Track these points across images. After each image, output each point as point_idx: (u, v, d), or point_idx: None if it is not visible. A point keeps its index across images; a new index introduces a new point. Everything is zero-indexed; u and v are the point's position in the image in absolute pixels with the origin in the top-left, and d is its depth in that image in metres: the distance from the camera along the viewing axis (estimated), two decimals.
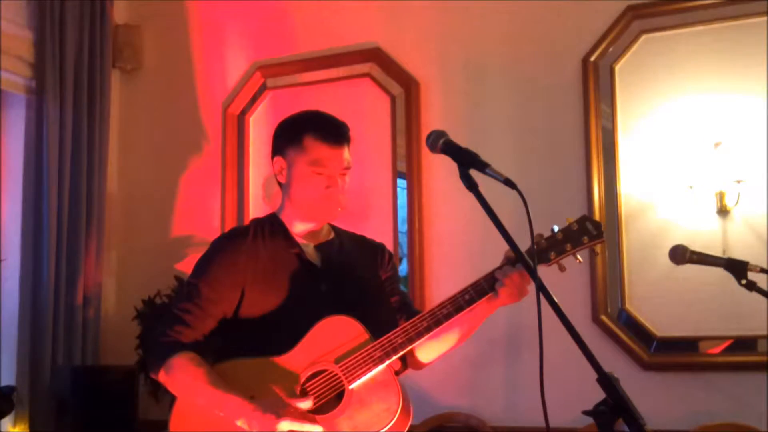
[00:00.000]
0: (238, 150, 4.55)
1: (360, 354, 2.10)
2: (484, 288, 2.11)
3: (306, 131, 2.28)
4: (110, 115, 4.60)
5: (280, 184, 2.39)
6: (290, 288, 2.24)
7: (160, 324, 2.27)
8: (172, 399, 4.24)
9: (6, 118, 4.35)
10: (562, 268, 2.09)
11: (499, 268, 2.09)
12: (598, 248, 2.10)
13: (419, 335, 2.10)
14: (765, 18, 3.57)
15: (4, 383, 3.93)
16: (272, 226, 2.35)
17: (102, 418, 3.96)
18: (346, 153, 2.29)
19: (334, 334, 2.14)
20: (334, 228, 2.43)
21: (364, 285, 2.35)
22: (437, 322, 2.11)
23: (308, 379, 2.13)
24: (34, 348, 4.10)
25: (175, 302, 2.33)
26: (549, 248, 2.09)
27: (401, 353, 2.11)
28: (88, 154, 4.41)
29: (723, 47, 3.65)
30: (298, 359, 2.14)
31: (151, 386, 4.22)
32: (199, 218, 4.62)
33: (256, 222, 2.40)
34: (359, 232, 2.55)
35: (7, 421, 3.97)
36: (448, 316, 2.11)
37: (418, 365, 2.34)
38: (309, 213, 2.31)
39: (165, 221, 4.69)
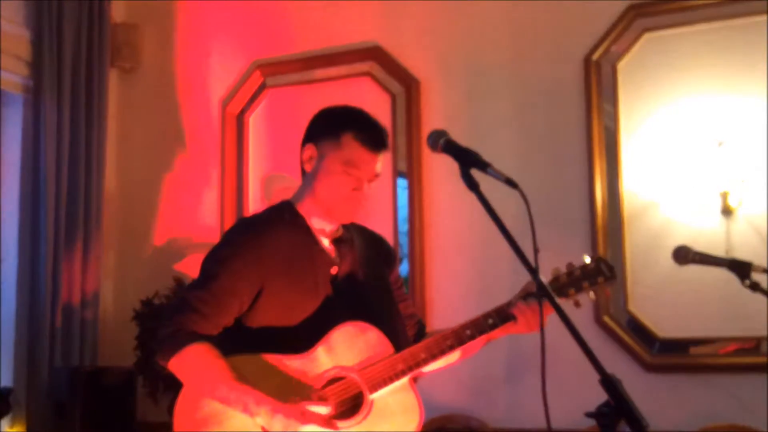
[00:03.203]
0: (238, 149, 4.55)
1: (383, 365, 2.09)
2: (507, 315, 2.16)
3: (347, 128, 2.21)
4: (108, 114, 4.61)
5: (304, 172, 2.29)
6: (311, 289, 2.19)
7: (172, 310, 2.17)
8: (172, 400, 4.22)
9: (3, 117, 4.34)
10: (577, 304, 2.18)
11: (523, 299, 2.16)
12: (608, 289, 2.27)
13: (442, 353, 2.13)
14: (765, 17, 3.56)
15: (1, 384, 3.93)
16: (291, 216, 2.27)
17: (100, 420, 3.96)
18: (380, 160, 2.24)
19: (355, 341, 2.12)
20: None
21: (376, 288, 2.32)
22: (460, 342, 2.14)
23: (327, 383, 2.10)
24: (32, 349, 4.10)
25: (190, 290, 2.20)
26: (569, 284, 2.17)
27: (423, 368, 2.13)
28: (85, 154, 4.41)
29: (726, 46, 3.64)
30: (315, 362, 2.10)
31: (149, 387, 4.21)
32: (197, 218, 4.62)
33: (274, 211, 2.30)
34: None
35: (5, 423, 3.96)
36: (471, 338, 2.15)
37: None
38: (329, 211, 2.24)
39: (163, 221, 4.69)
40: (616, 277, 2.23)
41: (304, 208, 2.27)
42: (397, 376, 2.09)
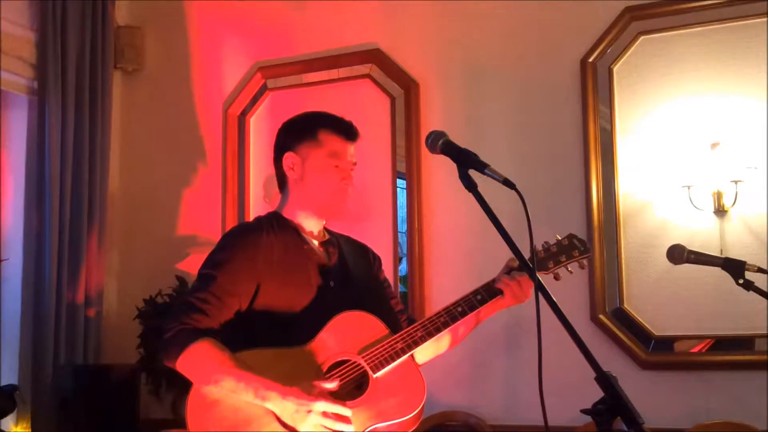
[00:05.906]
0: (239, 150, 4.57)
1: (382, 346, 2.20)
2: (494, 290, 2.27)
3: (320, 126, 2.38)
4: (112, 115, 4.61)
5: (286, 181, 2.42)
6: (305, 283, 2.29)
7: (174, 313, 2.25)
8: (175, 398, 4.26)
9: (8, 118, 4.36)
10: (557, 277, 2.34)
11: (507, 273, 2.28)
12: (584, 262, 2.39)
13: (437, 330, 2.24)
14: (763, 19, 3.59)
15: (6, 382, 3.94)
16: (280, 222, 2.39)
17: (104, 417, 3.96)
18: (353, 149, 2.41)
19: (353, 327, 2.23)
20: (326, 229, 2.49)
21: (365, 284, 2.43)
22: (453, 319, 2.25)
23: (330, 368, 2.19)
24: (36, 347, 4.11)
25: (190, 292, 2.30)
26: (547, 258, 2.34)
27: (421, 345, 2.22)
28: (89, 155, 4.42)
29: (720, 48, 3.67)
30: (316, 351, 2.19)
31: (152, 384, 4.23)
32: (200, 218, 4.63)
33: (263, 219, 2.42)
34: (359, 232, 2.63)
35: (9, 420, 3.98)
36: (462, 314, 2.26)
37: None
38: (323, 207, 2.38)
39: (166, 221, 4.71)
40: (589, 250, 2.38)
41: (291, 214, 2.41)
42: (397, 355, 2.19)
